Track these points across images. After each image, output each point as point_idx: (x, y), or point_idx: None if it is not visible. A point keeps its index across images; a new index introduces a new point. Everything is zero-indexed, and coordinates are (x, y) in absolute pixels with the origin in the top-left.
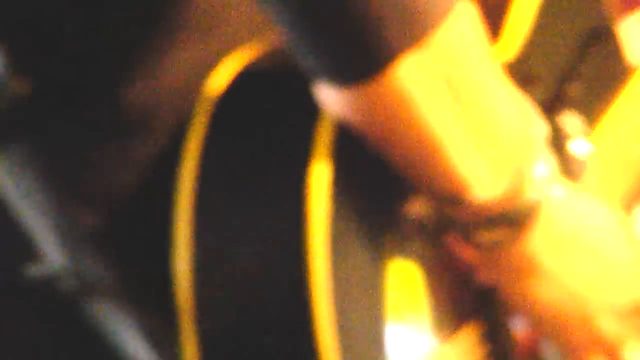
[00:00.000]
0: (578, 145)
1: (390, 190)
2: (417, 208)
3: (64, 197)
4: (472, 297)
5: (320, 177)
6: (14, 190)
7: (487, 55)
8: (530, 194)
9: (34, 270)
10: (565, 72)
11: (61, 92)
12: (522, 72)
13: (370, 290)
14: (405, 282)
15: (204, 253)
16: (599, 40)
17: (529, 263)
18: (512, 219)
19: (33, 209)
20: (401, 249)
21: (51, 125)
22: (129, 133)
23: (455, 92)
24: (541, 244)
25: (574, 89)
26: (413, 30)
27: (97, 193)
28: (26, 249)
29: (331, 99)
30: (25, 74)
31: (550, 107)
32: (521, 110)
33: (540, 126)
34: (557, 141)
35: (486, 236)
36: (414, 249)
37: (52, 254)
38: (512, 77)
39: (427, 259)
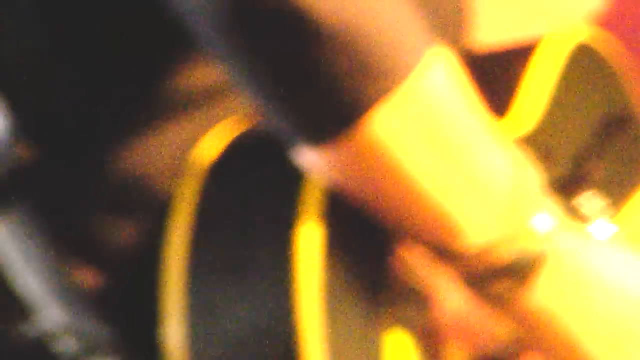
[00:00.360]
0: (599, 227)
1: (384, 254)
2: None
3: (64, 258)
4: None
5: (310, 241)
6: (13, 251)
7: (470, 104)
8: (530, 245)
9: (29, 330)
10: (586, 152)
11: (64, 160)
12: (538, 145)
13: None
14: (403, 353)
15: (196, 324)
16: (622, 127)
17: (540, 315)
18: (514, 270)
19: (32, 269)
20: (398, 319)
21: (53, 191)
22: (128, 200)
23: (435, 141)
24: (551, 295)
25: (595, 169)
26: (381, 83)
27: (97, 255)
28: (19, 310)
29: (309, 160)
30: (31, 140)
31: (570, 186)
32: (513, 161)
33: (535, 177)
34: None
35: (494, 287)
36: (412, 318)
37: (50, 313)
38: (529, 150)
39: (426, 329)
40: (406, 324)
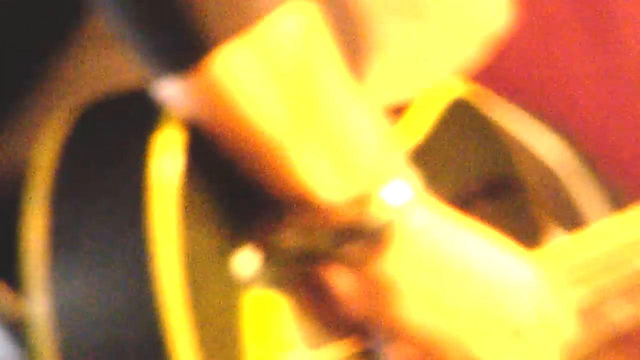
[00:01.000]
0: None
1: (248, 220)
2: (283, 236)
3: None
4: (345, 322)
5: (166, 205)
6: None
7: (332, 63)
8: (379, 213)
9: None
10: (462, 199)
11: None
12: (425, 159)
13: (227, 320)
14: (265, 309)
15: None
16: (507, 191)
17: (388, 284)
18: (365, 234)
19: None
20: (261, 278)
21: None
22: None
23: (285, 93)
24: (399, 266)
25: (479, 211)
26: (232, 22)
27: None
28: None
29: (166, 93)
30: None
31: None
32: (378, 131)
33: (398, 154)
34: None
35: (347, 249)
36: (275, 277)
37: None
38: (416, 160)
39: (292, 286)
40: (275, 284)
